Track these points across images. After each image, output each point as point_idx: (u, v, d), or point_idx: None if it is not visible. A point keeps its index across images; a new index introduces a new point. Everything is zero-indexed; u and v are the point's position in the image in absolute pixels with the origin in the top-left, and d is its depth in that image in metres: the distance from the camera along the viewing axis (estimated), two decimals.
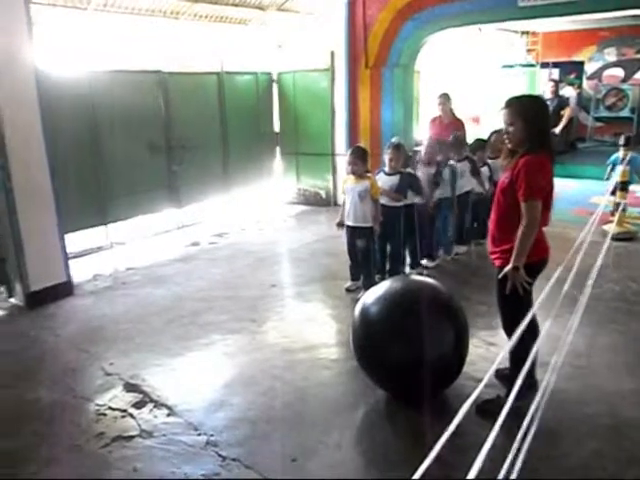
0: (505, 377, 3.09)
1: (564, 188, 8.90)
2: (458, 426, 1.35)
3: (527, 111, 2.80)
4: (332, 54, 7.79)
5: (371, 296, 3.15)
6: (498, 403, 2.65)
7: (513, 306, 2.83)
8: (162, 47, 7.14)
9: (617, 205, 5.84)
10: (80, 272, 5.45)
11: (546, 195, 2.77)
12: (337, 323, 4.30)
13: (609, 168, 7.45)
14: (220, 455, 2.76)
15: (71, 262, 5.15)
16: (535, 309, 2.42)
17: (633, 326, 4.00)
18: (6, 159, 4.37)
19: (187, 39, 7.37)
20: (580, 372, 3.37)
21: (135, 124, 6.44)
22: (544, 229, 2.90)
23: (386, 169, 4.82)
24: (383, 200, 4.73)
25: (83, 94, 5.83)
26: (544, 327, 2.39)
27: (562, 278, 2.60)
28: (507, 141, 2.86)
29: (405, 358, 2.93)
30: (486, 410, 2.78)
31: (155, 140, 6.69)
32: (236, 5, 7.57)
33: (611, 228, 5.42)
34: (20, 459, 2.77)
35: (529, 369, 1.76)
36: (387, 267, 4.96)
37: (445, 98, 6.42)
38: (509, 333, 2.90)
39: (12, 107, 4.39)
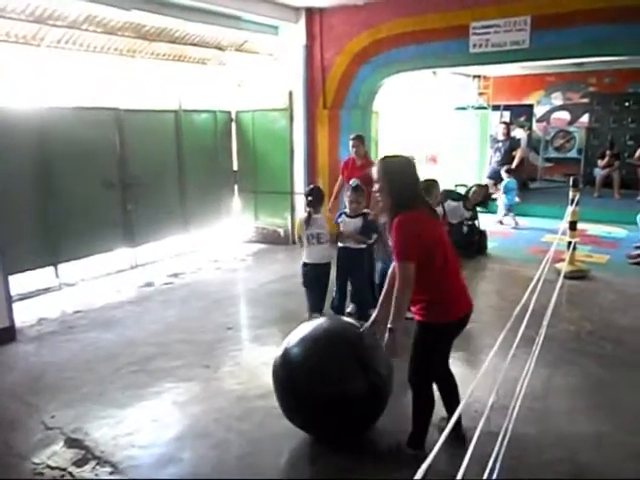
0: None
1: (517, 227, 9.14)
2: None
3: (391, 171, 2.76)
4: (290, 94, 7.87)
5: (294, 337, 3.10)
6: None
7: (419, 358, 2.81)
8: (118, 84, 7.06)
9: (569, 244, 5.99)
10: (24, 315, 5.18)
11: (433, 249, 2.64)
12: None
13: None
14: None
15: (15, 305, 4.90)
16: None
17: (588, 367, 4.03)
18: None
19: (144, 77, 7.31)
20: (537, 416, 3.35)
21: (89, 161, 6.28)
22: (458, 283, 2.81)
23: (347, 211, 4.78)
24: (347, 242, 4.71)
25: (34, 129, 5.65)
26: (502, 368, 2.38)
27: (519, 316, 2.63)
28: (379, 200, 2.80)
29: (323, 397, 2.86)
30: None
31: (109, 177, 6.53)
32: (195, 44, 7.58)
33: (563, 267, 5.53)
34: None
35: (453, 425, 1.71)
36: (348, 309, 4.93)
37: (359, 140, 6.21)
38: (413, 384, 2.85)
39: None
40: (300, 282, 4.76)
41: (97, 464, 2.97)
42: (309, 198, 4.68)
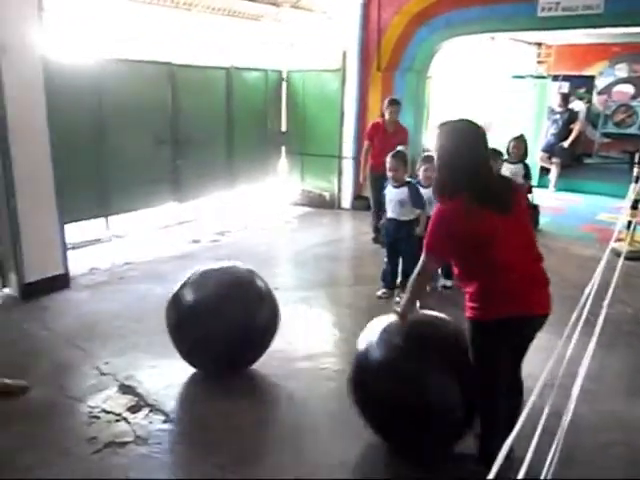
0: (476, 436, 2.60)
1: (570, 203, 8.83)
2: None
3: (443, 142, 2.35)
4: (344, 54, 7.67)
5: (375, 332, 2.66)
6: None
7: (479, 365, 2.42)
8: (172, 38, 7.00)
9: (629, 223, 5.73)
10: (77, 265, 5.30)
11: (485, 239, 2.25)
12: (341, 332, 4.17)
13: None
14: (219, 466, 2.62)
15: (69, 254, 5.01)
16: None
17: None
18: (8, 147, 4.22)
19: (198, 32, 7.23)
20: (593, 397, 3.25)
21: (141, 116, 6.29)
22: (513, 279, 2.32)
23: (422, 183, 4.61)
24: (393, 214, 4.60)
25: (90, 83, 5.67)
26: (557, 347, 2.26)
27: (575, 296, 2.46)
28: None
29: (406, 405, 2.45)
30: None
31: (161, 133, 6.55)
32: (250, 0, 7.43)
33: (622, 247, 5.30)
34: (2, 462, 2.63)
35: (505, 437, 1.42)
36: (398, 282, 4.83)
37: (397, 105, 5.93)
38: (478, 392, 2.47)
39: (18, 95, 4.26)
40: (345, 247, 4.66)
41: (150, 411, 3.03)
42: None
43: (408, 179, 4.62)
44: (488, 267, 2.31)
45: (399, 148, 4.81)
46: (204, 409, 3.11)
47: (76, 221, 5.65)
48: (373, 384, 2.58)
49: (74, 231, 5.66)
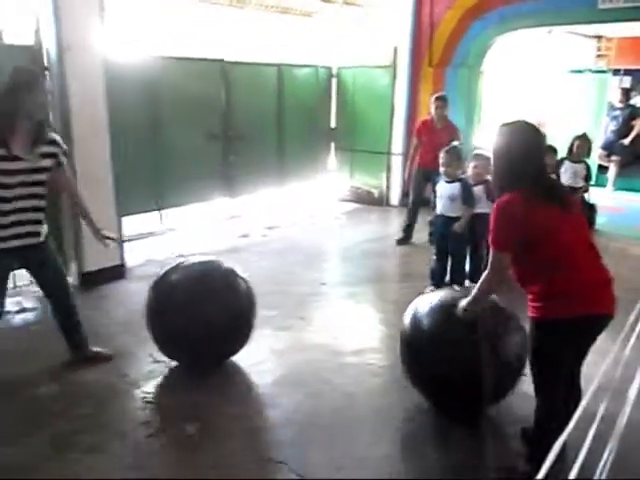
0: (527, 440, 2.65)
1: (629, 203, 8.49)
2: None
3: (500, 143, 2.38)
4: (395, 50, 7.62)
5: (424, 305, 2.94)
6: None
7: (539, 366, 2.40)
8: (225, 36, 7.14)
9: None
10: (133, 256, 5.50)
11: (545, 233, 2.24)
12: (387, 328, 4.16)
13: None
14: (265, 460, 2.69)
15: (125, 246, 5.21)
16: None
17: None
18: (72, 144, 4.39)
19: (250, 29, 7.34)
20: None
21: (195, 112, 6.44)
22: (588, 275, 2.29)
23: (471, 180, 4.55)
24: (442, 210, 4.56)
25: (146, 80, 5.85)
26: (612, 351, 2.19)
27: (630, 299, 2.36)
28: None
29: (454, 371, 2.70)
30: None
31: (213, 129, 6.70)
32: None
33: None
34: (63, 444, 2.77)
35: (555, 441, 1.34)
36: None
37: (444, 101, 5.90)
38: (537, 393, 2.44)
39: (80, 92, 4.46)
40: (391, 244, 4.64)
41: None
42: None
43: (462, 176, 4.57)
44: (550, 263, 2.26)
45: (454, 143, 4.75)
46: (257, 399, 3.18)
47: (132, 214, 5.84)
48: (426, 350, 2.84)
49: (130, 224, 5.88)
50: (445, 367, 2.72)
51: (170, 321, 3.26)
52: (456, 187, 4.48)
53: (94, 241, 3.50)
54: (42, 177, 3.02)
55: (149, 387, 3.26)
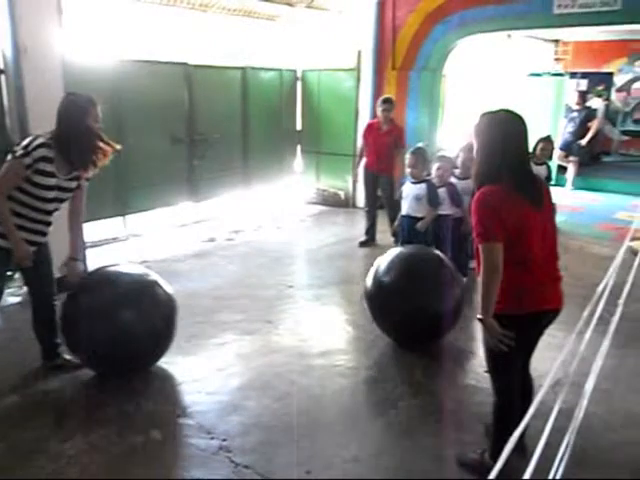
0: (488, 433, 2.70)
1: (588, 202, 8.75)
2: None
3: (481, 132, 2.34)
4: (359, 54, 7.69)
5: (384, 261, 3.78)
6: (481, 463, 2.52)
7: (495, 361, 2.44)
8: (188, 39, 7.08)
9: None
10: (96, 263, 5.37)
11: (517, 232, 2.23)
12: (354, 329, 4.20)
13: None
14: (233, 461, 2.67)
15: (87, 252, 5.10)
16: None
17: None
18: None
19: (214, 32, 7.30)
20: (607, 396, 3.24)
21: (158, 116, 6.37)
22: (537, 274, 2.32)
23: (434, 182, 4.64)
24: (408, 210, 4.61)
25: (108, 84, 5.75)
26: (566, 344, 2.25)
27: (590, 295, 2.45)
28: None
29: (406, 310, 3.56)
30: (467, 464, 2.62)
31: (177, 133, 6.63)
32: (266, 0, 7.47)
33: (639, 245, 5.25)
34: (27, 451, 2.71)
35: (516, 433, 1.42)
36: None
37: (391, 103, 5.87)
38: (494, 389, 2.51)
39: (38, 95, 4.34)
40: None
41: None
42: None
43: (427, 177, 4.64)
44: (515, 259, 2.25)
45: (419, 145, 4.81)
46: (223, 404, 3.16)
47: (94, 220, 5.74)
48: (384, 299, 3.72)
49: (93, 230, 5.76)
50: (402, 311, 3.58)
51: (83, 328, 3.15)
52: (422, 188, 4.56)
53: (54, 247, 3.43)
54: (70, 195, 3.30)
55: (120, 395, 3.20)
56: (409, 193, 4.61)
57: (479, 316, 2.31)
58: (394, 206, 6.16)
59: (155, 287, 3.35)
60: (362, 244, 6.22)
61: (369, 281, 3.80)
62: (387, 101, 5.95)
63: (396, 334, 3.83)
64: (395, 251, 3.89)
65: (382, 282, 3.69)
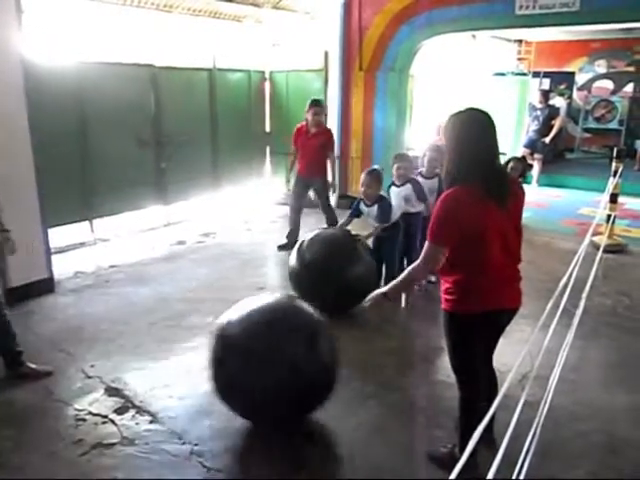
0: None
1: (552, 198, 8.96)
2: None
3: (450, 133, 2.34)
4: (326, 55, 7.71)
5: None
6: (451, 457, 2.54)
7: (457, 358, 2.50)
8: (153, 40, 6.99)
9: (608, 217, 5.83)
10: (62, 268, 5.28)
11: (476, 235, 2.24)
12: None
13: None
14: (205, 466, 2.66)
15: (53, 258, 5.00)
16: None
17: (625, 341, 3.98)
18: None
19: (179, 33, 7.22)
20: (572, 387, 3.33)
21: (124, 118, 6.29)
22: (493, 274, 2.33)
23: (395, 181, 4.76)
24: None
25: (71, 85, 5.66)
26: (538, 339, 2.30)
27: (554, 289, 2.50)
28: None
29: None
30: (437, 459, 2.67)
31: (144, 135, 6.55)
32: (231, 1, 7.44)
33: (601, 240, 5.40)
34: None
35: (485, 425, 1.44)
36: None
37: (320, 106, 5.74)
38: (458, 384, 2.55)
39: None
40: None
41: (137, 412, 3.06)
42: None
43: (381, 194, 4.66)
44: (473, 260, 2.29)
45: (375, 166, 4.82)
46: (195, 408, 3.13)
47: (60, 225, 5.64)
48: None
49: (58, 235, 5.65)
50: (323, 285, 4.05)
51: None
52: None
53: (18, 254, 3.36)
54: None
55: (81, 404, 3.14)
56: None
57: (383, 290, 2.42)
58: (330, 212, 6.20)
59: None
60: (280, 248, 6.06)
61: (293, 262, 4.39)
62: (316, 104, 5.77)
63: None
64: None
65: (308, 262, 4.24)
